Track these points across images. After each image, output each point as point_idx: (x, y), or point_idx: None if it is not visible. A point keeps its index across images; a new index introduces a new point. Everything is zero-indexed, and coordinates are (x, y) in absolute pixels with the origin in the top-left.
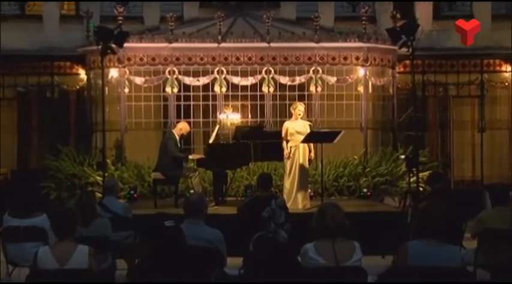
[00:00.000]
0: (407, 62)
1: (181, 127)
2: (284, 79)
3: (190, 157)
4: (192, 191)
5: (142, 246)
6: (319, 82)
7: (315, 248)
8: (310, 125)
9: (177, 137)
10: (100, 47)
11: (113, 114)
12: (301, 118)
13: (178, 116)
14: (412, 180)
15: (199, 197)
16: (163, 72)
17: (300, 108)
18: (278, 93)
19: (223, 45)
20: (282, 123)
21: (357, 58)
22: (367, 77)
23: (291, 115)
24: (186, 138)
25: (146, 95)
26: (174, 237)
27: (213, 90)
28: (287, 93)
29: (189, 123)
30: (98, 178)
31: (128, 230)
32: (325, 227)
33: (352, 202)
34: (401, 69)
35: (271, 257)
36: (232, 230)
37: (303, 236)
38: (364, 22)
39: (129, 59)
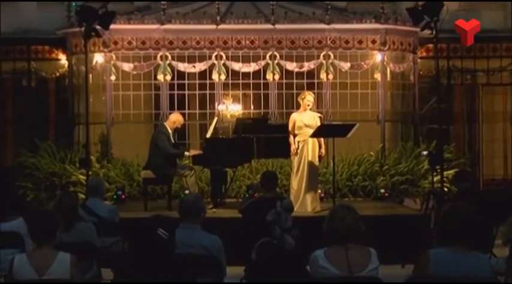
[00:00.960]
0: (431, 45)
1: (175, 119)
2: (291, 66)
3: (186, 153)
4: (187, 192)
5: (131, 254)
6: (331, 68)
7: (325, 256)
8: (320, 117)
9: (170, 131)
10: (83, 28)
11: (97, 105)
12: (311, 109)
13: (172, 107)
14: (435, 179)
15: (196, 198)
16: (155, 58)
17: (308, 98)
18: (284, 81)
19: (222, 27)
20: (288, 115)
21: (374, 41)
22: (384, 63)
23: (298, 106)
24: (180, 132)
25: (135, 83)
26: (163, 247)
27: (210, 78)
28: (294, 81)
29: (183, 114)
30: (81, 177)
31: (115, 235)
32: (336, 232)
33: (368, 204)
34: (424, 54)
35: (276, 266)
36: (232, 236)
37: (312, 243)
38: (381, 1)
39: (115, 43)
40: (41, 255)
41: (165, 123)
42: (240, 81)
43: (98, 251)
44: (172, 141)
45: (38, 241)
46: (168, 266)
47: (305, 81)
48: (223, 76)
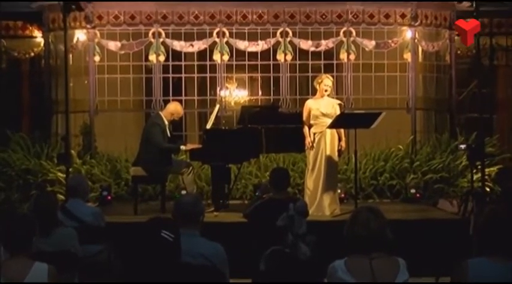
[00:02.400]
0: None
1: (173, 110)
2: (306, 44)
3: (182, 147)
4: (183, 192)
5: (118, 264)
6: (352, 48)
7: (346, 266)
8: (340, 105)
9: (166, 122)
10: (61, 1)
11: (79, 90)
12: (329, 95)
13: (166, 93)
14: (475, 177)
15: (194, 200)
16: (146, 35)
17: (326, 82)
18: (298, 62)
19: None
20: (303, 102)
21: (403, 15)
22: (416, 41)
23: (315, 92)
24: (175, 122)
25: (123, 65)
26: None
27: (211, 59)
28: (309, 62)
29: (180, 102)
30: (60, 174)
31: (100, 243)
32: (359, 239)
33: (396, 206)
34: None
35: (288, 278)
36: (237, 243)
37: (331, 252)
38: None
39: (100, 18)
40: (14, 265)
41: (160, 112)
42: (246, 63)
43: (80, 261)
44: (168, 134)
45: (11, 249)
46: (176, 273)
47: (322, 62)
48: (226, 57)
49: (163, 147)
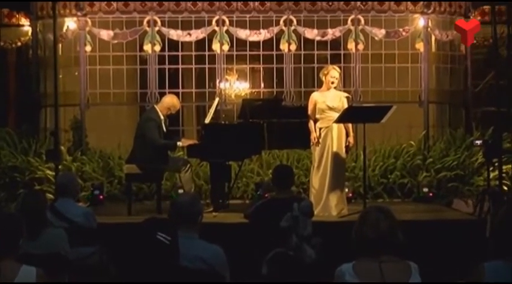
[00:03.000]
0: (487, 7)
1: (169, 104)
2: (311, 33)
3: (179, 143)
4: (181, 191)
5: (111, 268)
6: (361, 37)
7: (354, 270)
8: (347, 98)
9: (162, 117)
10: None
11: (69, 83)
12: (335, 87)
13: (162, 86)
14: (492, 175)
15: (192, 200)
16: (140, 23)
17: (333, 73)
18: (302, 52)
19: None
20: (308, 94)
21: (415, 2)
22: (428, 30)
23: (321, 84)
24: (172, 116)
25: (116, 56)
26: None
27: (210, 49)
28: (315, 52)
29: (177, 95)
30: (49, 172)
31: (91, 245)
32: (367, 241)
33: (408, 206)
34: (478, 18)
35: (292, 282)
36: (237, 246)
37: (338, 255)
38: None
39: (91, 5)
40: (1, 269)
41: (155, 106)
42: (247, 53)
43: (70, 264)
44: (164, 129)
45: None
46: (173, 278)
47: (329, 52)
48: (226, 47)
49: (159, 143)
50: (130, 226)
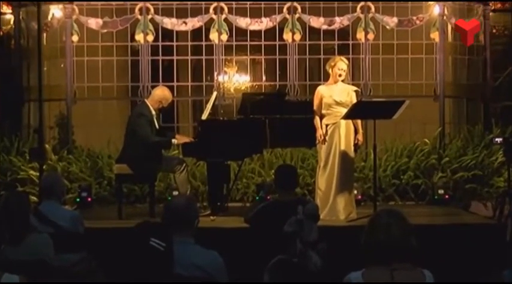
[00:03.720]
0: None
1: (160, 97)
2: (317, 22)
3: (173, 141)
4: (175, 193)
5: (100, 276)
6: (371, 26)
7: (364, 279)
8: (356, 92)
9: (154, 112)
10: None
11: (54, 75)
12: (343, 81)
13: (155, 79)
14: None
15: (187, 202)
16: (132, 11)
17: (340, 65)
18: (307, 42)
19: None
20: (313, 88)
21: None
22: (444, 18)
23: (327, 77)
24: (166, 112)
25: (105, 46)
26: (160, 264)
27: (208, 39)
28: (321, 42)
29: (171, 89)
30: (33, 173)
31: (78, 251)
32: (378, 247)
33: (422, 209)
34: (499, 6)
35: None
36: (237, 252)
37: (346, 262)
38: None
39: None
40: None
41: (146, 100)
42: (248, 43)
43: (55, 271)
44: (157, 125)
45: None
46: None
47: (336, 42)
48: (224, 37)
49: (151, 140)
50: (121, 231)
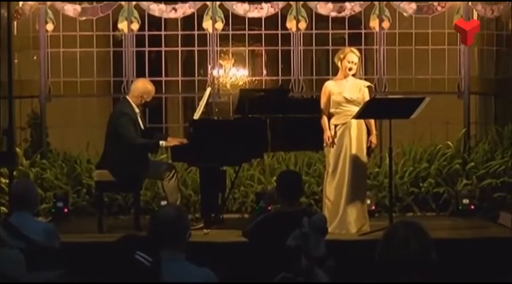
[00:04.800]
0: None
1: (141, 91)
2: (324, 8)
3: (162, 143)
4: (164, 203)
5: None
6: (386, 12)
7: None
8: (369, 87)
9: (137, 109)
10: None
11: (26, 69)
12: (354, 75)
13: (140, 73)
14: None
15: (177, 213)
16: None
17: (351, 57)
18: (314, 31)
19: None
20: (320, 84)
21: None
22: (470, 4)
23: (336, 71)
24: (153, 111)
25: (84, 36)
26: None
27: (200, 28)
28: (330, 31)
29: (158, 84)
30: (2, 180)
31: (53, 268)
32: (395, 263)
33: (444, 221)
34: None
35: None
36: (234, 270)
37: (357, 280)
38: None
39: None
40: None
41: (127, 97)
42: (246, 32)
43: None
44: (142, 125)
45: None
46: None
47: (346, 31)
48: (219, 25)
49: (136, 143)
50: (102, 246)
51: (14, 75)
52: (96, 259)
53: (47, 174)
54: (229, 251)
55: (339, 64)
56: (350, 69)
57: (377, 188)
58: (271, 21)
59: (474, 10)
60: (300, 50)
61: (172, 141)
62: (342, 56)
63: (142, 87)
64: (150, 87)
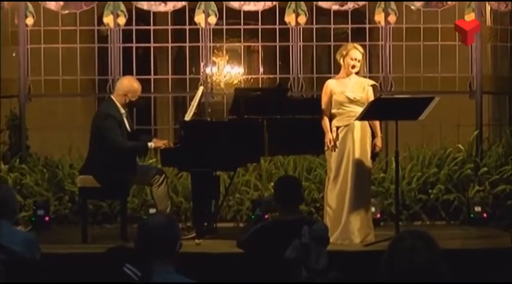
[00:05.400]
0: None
1: (125, 89)
2: (326, 2)
3: (150, 144)
4: (152, 211)
5: None
6: (393, 6)
7: None
8: (374, 86)
9: (122, 110)
10: None
11: (4, 67)
12: (358, 73)
13: (127, 71)
14: None
15: (167, 222)
16: None
17: (354, 54)
18: (314, 26)
19: None
20: (321, 82)
21: None
22: None
23: (338, 69)
24: (141, 111)
25: (67, 31)
26: None
27: (192, 22)
28: (331, 26)
29: (147, 83)
30: None
31: (34, 281)
32: (401, 275)
33: (455, 230)
34: None
35: None
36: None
37: None
38: None
39: None
40: None
41: (112, 97)
42: (242, 27)
43: None
44: (128, 127)
45: None
46: None
47: (349, 26)
48: (213, 19)
49: (123, 146)
50: (87, 257)
51: None
52: (80, 272)
53: (27, 179)
54: (222, 263)
55: (341, 61)
56: (353, 66)
57: (382, 195)
58: (269, 15)
59: (487, 4)
60: (300, 46)
61: (160, 143)
62: (344, 53)
63: (127, 85)
64: (136, 86)
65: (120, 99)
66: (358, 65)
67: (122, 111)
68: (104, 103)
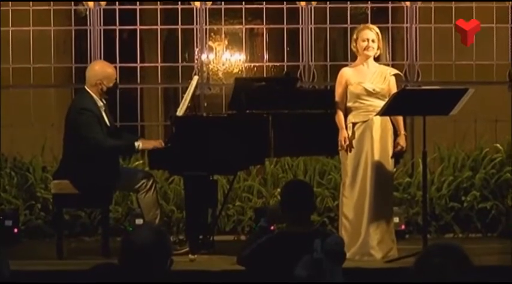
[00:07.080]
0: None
1: (98, 76)
2: None
3: (138, 145)
4: (139, 221)
5: None
6: None
7: None
8: (397, 76)
9: (100, 102)
10: None
11: None
12: (378, 60)
13: (110, 57)
14: None
15: (155, 235)
16: None
17: (364, 33)
18: (328, 5)
19: None
20: (336, 71)
21: None
22: None
23: (354, 56)
24: (126, 105)
25: (39, 11)
26: None
27: (185, 1)
28: (348, 5)
29: (133, 71)
30: None
31: None
32: None
33: (492, 244)
34: None
35: None
36: None
37: None
38: None
39: None
40: None
41: (86, 88)
42: (243, 6)
43: None
44: (107, 122)
45: None
46: None
47: (369, 5)
48: None
49: (104, 145)
50: (63, 275)
51: None
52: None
53: None
54: (220, 281)
55: (357, 47)
56: (367, 48)
57: (408, 203)
58: None
59: None
60: (311, 28)
61: (150, 144)
62: (355, 36)
63: (100, 71)
64: (110, 70)
65: (94, 89)
66: (372, 45)
67: (100, 103)
68: (77, 95)
